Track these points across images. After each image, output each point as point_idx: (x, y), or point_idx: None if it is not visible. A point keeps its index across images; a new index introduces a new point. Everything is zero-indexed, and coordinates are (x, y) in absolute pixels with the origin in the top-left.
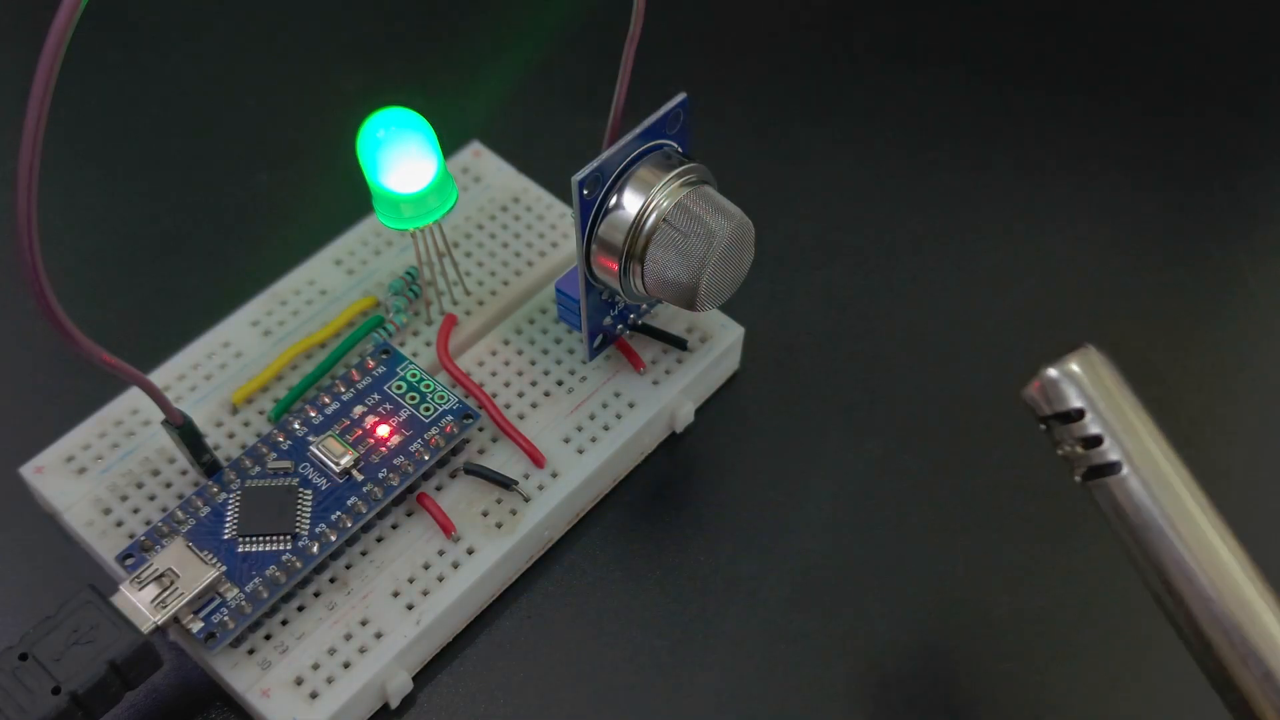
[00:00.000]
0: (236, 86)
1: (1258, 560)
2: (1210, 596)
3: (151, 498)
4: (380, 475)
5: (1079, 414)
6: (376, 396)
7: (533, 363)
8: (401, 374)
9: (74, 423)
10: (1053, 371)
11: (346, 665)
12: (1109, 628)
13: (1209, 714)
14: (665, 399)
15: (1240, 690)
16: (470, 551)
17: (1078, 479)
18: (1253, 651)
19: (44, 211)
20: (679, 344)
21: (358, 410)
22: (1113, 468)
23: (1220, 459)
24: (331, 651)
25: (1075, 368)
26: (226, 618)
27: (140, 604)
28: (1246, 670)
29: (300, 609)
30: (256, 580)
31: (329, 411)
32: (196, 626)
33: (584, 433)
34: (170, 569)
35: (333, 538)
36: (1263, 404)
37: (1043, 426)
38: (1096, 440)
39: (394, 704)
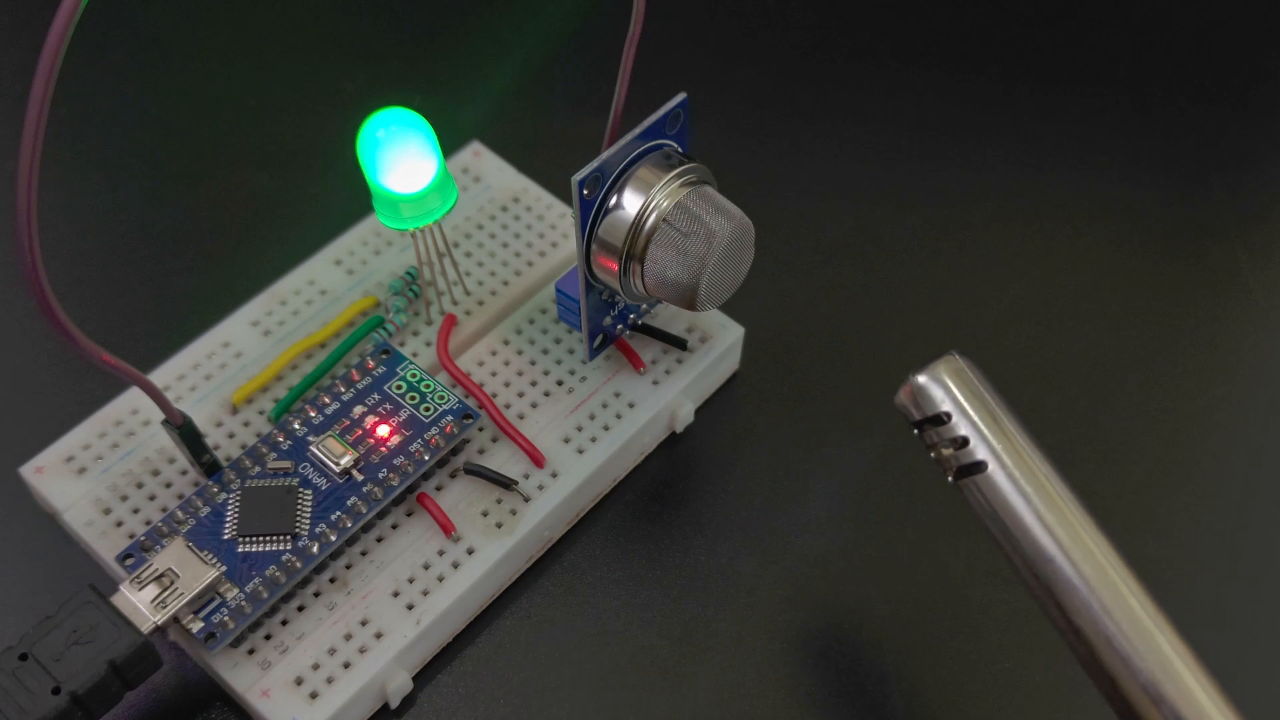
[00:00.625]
0: (236, 86)
1: (1263, 561)
2: (1075, 584)
3: (151, 498)
4: (380, 475)
5: (947, 417)
6: (376, 396)
7: (533, 363)
8: (401, 374)
9: (74, 423)
10: (921, 378)
11: (346, 665)
12: None
13: None
14: (665, 399)
15: (1107, 672)
16: (470, 551)
17: (950, 479)
18: (1117, 633)
19: (44, 211)
20: (679, 344)
21: (358, 410)
22: (979, 466)
23: (1220, 459)
24: (331, 651)
25: (942, 373)
26: (226, 618)
27: (140, 604)
28: (1111, 651)
29: (300, 609)
30: (256, 580)
31: (329, 411)
32: (196, 626)
33: (584, 433)
34: (170, 569)
35: (333, 538)
36: (1262, 403)
37: (915, 431)
38: (964, 441)
39: (394, 704)
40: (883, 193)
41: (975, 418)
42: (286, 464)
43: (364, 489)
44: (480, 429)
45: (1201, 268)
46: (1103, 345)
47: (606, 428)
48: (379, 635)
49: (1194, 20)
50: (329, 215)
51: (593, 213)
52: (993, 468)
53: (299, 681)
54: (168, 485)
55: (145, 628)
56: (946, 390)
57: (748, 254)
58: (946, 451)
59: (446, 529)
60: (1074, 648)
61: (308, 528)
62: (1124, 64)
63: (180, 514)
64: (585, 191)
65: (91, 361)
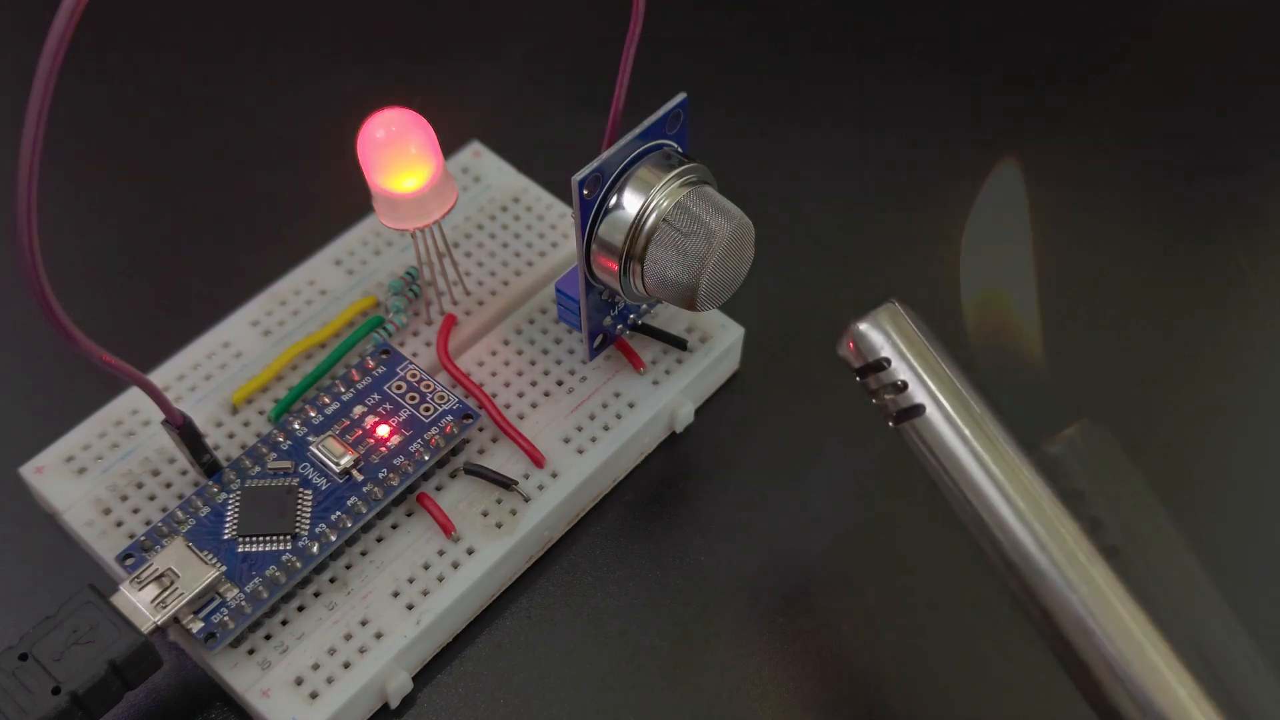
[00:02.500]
0: (236, 86)
1: (1262, 561)
2: (1007, 519)
3: (151, 498)
4: (380, 475)
5: (886, 363)
6: (376, 396)
7: (533, 363)
8: (401, 374)
9: (74, 423)
10: (861, 325)
11: (346, 665)
12: None
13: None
14: (665, 399)
15: (1039, 604)
16: (470, 551)
17: (891, 424)
18: (1050, 566)
19: (44, 211)
20: (679, 344)
21: (358, 410)
22: (917, 409)
23: (1221, 459)
24: (331, 651)
25: (881, 320)
26: (226, 618)
27: (140, 604)
28: (1045, 585)
29: (300, 609)
30: (256, 580)
31: (329, 411)
32: (196, 626)
33: (584, 433)
34: (170, 569)
35: (333, 538)
36: (1262, 404)
37: (858, 379)
38: (903, 385)
39: (394, 704)
40: (883, 193)
41: (914, 362)
42: (286, 464)
43: (364, 489)
44: (480, 429)
45: (1202, 269)
46: (1103, 346)
47: (606, 428)
48: (379, 635)
49: (1194, 21)
50: (329, 215)
51: (593, 213)
52: (930, 410)
53: (299, 681)
54: (168, 485)
55: (145, 628)
56: (886, 336)
57: (748, 254)
58: (887, 397)
59: (446, 529)
60: (1005, 581)
61: (308, 528)
62: (1125, 64)
63: (180, 514)
64: (585, 191)
65: (91, 361)
